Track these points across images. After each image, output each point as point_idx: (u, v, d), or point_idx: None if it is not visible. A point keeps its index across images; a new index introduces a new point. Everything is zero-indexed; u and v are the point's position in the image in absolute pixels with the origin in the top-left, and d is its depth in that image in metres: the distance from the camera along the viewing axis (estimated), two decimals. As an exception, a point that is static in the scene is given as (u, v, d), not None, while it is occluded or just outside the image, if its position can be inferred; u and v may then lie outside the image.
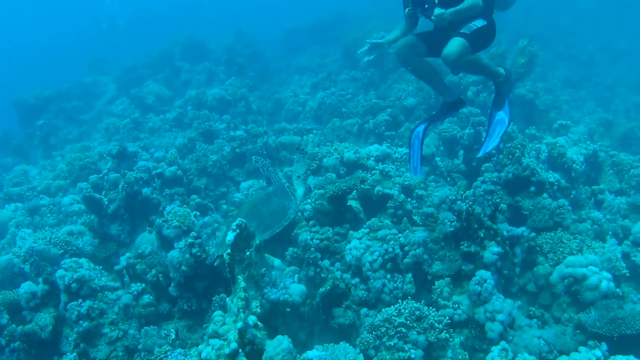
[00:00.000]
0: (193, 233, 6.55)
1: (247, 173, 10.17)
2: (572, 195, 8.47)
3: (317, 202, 7.09)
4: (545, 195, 7.81)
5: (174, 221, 6.77)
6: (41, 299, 6.15)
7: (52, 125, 15.93)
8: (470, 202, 6.73)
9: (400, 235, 6.58)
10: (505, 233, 6.47)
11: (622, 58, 19.17)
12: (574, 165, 8.74)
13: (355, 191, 7.37)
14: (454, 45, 5.27)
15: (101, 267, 7.07)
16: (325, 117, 11.73)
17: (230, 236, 4.53)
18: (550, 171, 8.38)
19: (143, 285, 6.64)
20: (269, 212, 6.72)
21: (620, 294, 6.30)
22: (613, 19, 22.64)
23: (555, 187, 8.05)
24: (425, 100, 11.53)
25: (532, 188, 7.84)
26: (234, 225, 4.64)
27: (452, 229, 6.30)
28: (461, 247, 6.08)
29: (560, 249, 6.84)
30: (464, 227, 6.14)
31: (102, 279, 6.73)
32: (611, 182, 9.55)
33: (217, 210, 9.18)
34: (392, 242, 6.28)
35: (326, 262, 6.38)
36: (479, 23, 5.47)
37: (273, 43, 22.33)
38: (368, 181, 7.46)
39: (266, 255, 5.29)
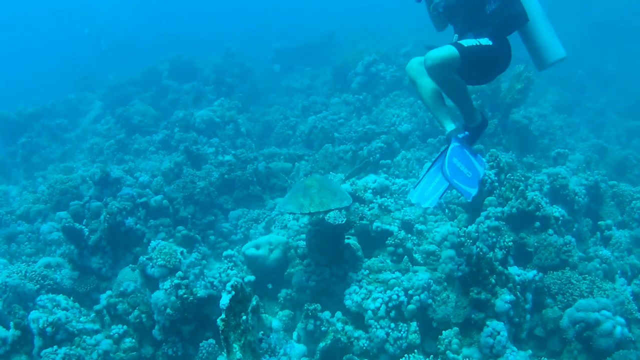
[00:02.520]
0: (179, 273, 6.12)
1: (236, 201, 9.74)
2: (574, 229, 8.18)
3: (312, 239, 6.65)
4: (550, 231, 7.51)
5: (159, 259, 6.29)
6: (12, 345, 5.66)
7: (35, 143, 15.34)
8: (473, 241, 6.37)
9: (403, 279, 6.17)
10: (516, 278, 6.07)
11: (611, 83, 19.02)
12: (577, 197, 8.50)
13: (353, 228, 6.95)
14: (441, 50, 4.64)
15: (80, 305, 6.58)
16: (317, 142, 11.33)
17: (225, 299, 4.05)
18: (554, 205, 8.05)
19: (125, 327, 6.17)
20: (337, 188, 6.45)
21: (633, 339, 5.96)
22: (600, 42, 22.59)
23: (560, 221, 7.72)
24: (420, 126, 11.19)
25: (537, 223, 7.56)
26: (228, 287, 4.18)
27: (459, 273, 5.89)
28: (471, 293, 5.65)
29: (570, 291, 6.52)
30: (473, 272, 5.72)
31: (81, 318, 6.25)
32: (612, 214, 9.26)
33: (205, 242, 8.73)
34: (396, 288, 5.85)
35: (327, 314, 5.92)
36: (484, 41, 4.80)
37: (261, 62, 22.00)
38: (367, 217, 7.05)
39: (263, 315, 4.84)
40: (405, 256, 6.90)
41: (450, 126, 5.08)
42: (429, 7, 5.38)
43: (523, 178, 8.15)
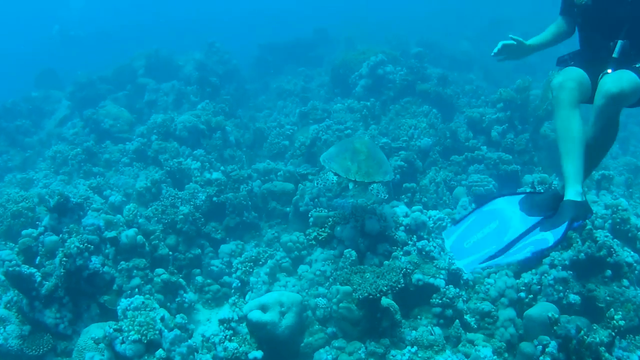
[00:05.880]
0: (161, 352, 4.42)
1: (227, 229, 8.05)
2: (636, 272, 6.72)
3: (341, 305, 5.01)
4: (625, 282, 6.08)
5: (132, 332, 4.59)
6: None
7: (-9, 149, 13.48)
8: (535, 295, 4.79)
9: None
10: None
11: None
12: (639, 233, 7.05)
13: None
14: (626, 79, 3.55)
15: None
16: (320, 156, 9.66)
17: None
18: (625, 247, 6.58)
19: None
20: (383, 158, 6.30)
21: None
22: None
23: (636, 269, 6.29)
24: (441, 140, 9.60)
25: (608, 272, 6.18)
26: None
27: (549, 358, 4.32)
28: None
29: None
30: None
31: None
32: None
33: (190, 284, 7.04)
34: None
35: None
36: None
37: (246, 60, 20.23)
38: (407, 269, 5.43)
39: None
40: (457, 320, 5.33)
41: (577, 192, 3.71)
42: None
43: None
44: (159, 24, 34.05)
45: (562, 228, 3.54)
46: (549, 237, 3.59)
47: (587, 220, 4.12)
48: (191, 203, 8.13)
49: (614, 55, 3.90)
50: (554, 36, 4.47)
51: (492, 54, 4.58)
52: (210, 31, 24.07)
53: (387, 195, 6.27)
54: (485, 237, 3.93)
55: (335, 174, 6.03)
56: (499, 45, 4.53)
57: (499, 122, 9.78)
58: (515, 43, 4.46)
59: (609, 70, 3.89)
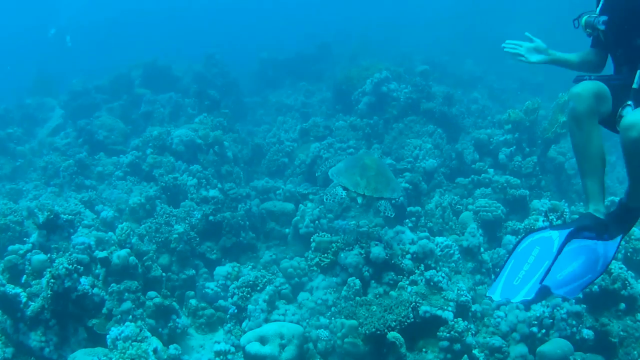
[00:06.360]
0: (152, 388, 4.10)
1: (223, 250, 7.73)
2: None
3: (346, 340, 4.69)
4: (640, 316, 5.83)
5: (122, 365, 4.27)
6: None
7: (-20, 157, 13.10)
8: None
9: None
10: None
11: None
12: (652, 264, 6.86)
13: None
14: None
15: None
16: (321, 175, 9.37)
17: None
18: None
19: None
20: (391, 176, 6.34)
21: None
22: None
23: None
24: (446, 161, 9.33)
25: (622, 305, 6.02)
26: None
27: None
28: None
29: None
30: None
31: None
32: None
33: (183, 307, 6.72)
34: None
35: None
36: None
37: (245, 72, 19.97)
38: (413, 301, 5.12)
39: None
40: (465, 355, 5.02)
41: (597, 210, 3.45)
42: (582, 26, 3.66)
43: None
44: (159, 33, 33.84)
45: (569, 229, 3.28)
46: (554, 235, 3.33)
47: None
48: (186, 221, 7.83)
49: (634, 85, 3.62)
50: (580, 60, 4.15)
51: (504, 45, 4.22)
52: (211, 42, 23.90)
53: (394, 213, 6.22)
54: (532, 265, 3.62)
55: (344, 188, 5.98)
56: (515, 43, 4.19)
57: (507, 144, 9.52)
58: (532, 44, 4.12)
59: (630, 103, 3.61)
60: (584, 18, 3.74)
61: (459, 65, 19.44)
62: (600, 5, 3.71)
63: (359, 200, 5.98)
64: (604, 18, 3.60)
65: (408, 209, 7.75)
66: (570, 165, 11.19)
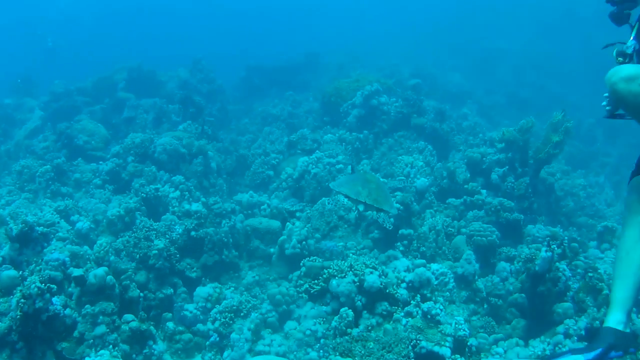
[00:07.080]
0: None
1: (204, 268, 7.37)
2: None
3: (337, 379, 4.38)
4: (641, 352, 5.52)
5: (93, 403, 3.92)
6: None
7: (-48, 158, 12.60)
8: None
9: None
10: None
11: (620, 134, 17.30)
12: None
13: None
14: None
15: None
16: (308, 191, 9.01)
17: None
18: None
19: None
20: (389, 195, 6.37)
21: None
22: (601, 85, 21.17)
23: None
24: (437, 180, 9.07)
25: None
26: None
27: None
28: None
29: None
30: None
31: None
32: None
33: (159, 329, 6.34)
34: None
35: None
36: None
37: (231, 79, 19.67)
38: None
39: None
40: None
41: (619, 321, 3.15)
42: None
43: (596, 273, 6.17)
44: (145, 37, 33.41)
45: (594, 353, 2.98)
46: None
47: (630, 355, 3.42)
48: (167, 236, 7.45)
49: None
50: None
51: None
52: (197, 47, 23.54)
53: (392, 227, 6.32)
54: None
55: (346, 197, 5.93)
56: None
57: (500, 164, 9.27)
58: None
59: None
60: (615, 50, 3.47)
61: (448, 78, 19.33)
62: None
63: (360, 207, 5.90)
64: None
65: (400, 231, 7.45)
66: (559, 187, 11.04)
